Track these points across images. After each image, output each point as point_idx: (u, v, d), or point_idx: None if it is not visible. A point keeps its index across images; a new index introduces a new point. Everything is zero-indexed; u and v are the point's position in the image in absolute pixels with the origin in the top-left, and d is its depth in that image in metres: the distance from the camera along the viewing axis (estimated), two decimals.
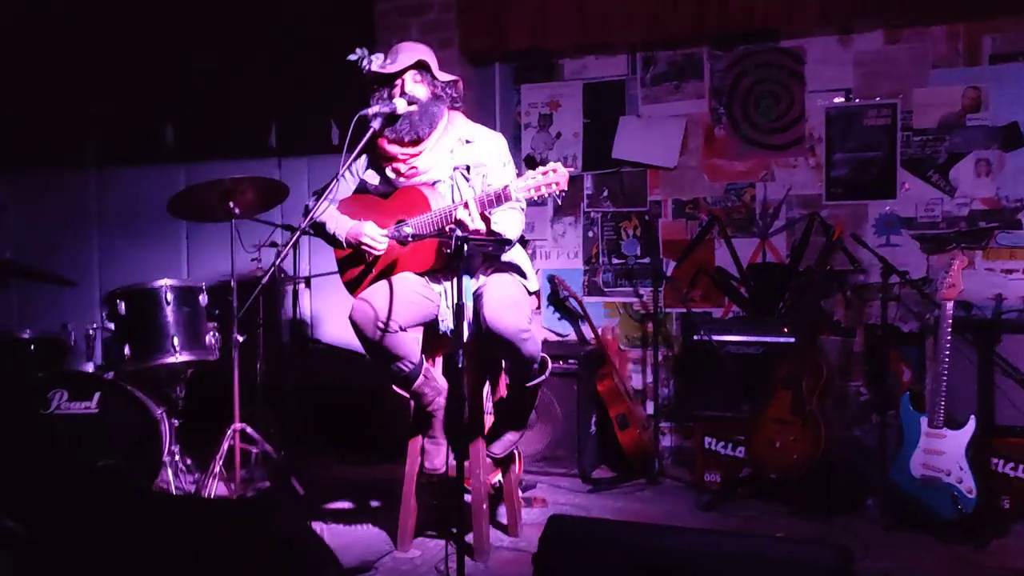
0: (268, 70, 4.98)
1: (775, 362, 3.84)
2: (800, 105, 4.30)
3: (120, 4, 4.98)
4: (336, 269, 3.20)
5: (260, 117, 5.11)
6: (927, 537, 3.25)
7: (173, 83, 5.15)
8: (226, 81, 5.05)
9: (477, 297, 2.95)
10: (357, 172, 3.18)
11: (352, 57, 3.02)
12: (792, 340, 3.88)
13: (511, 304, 2.89)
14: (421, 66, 3.02)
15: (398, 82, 3.01)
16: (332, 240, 3.10)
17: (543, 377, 3.06)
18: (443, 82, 3.05)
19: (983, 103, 4.01)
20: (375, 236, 2.99)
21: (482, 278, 3.02)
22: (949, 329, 3.30)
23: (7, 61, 5.22)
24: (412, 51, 3.05)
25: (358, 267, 3.12)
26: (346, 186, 3.19)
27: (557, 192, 2.71)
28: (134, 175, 5.36)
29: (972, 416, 3.28)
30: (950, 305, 3.31)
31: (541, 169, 2.71)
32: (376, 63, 3.04)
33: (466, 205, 2.78)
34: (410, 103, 2.96)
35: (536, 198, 2.74)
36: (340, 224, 3.08)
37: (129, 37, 5.10)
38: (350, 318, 2.92)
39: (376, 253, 3.02)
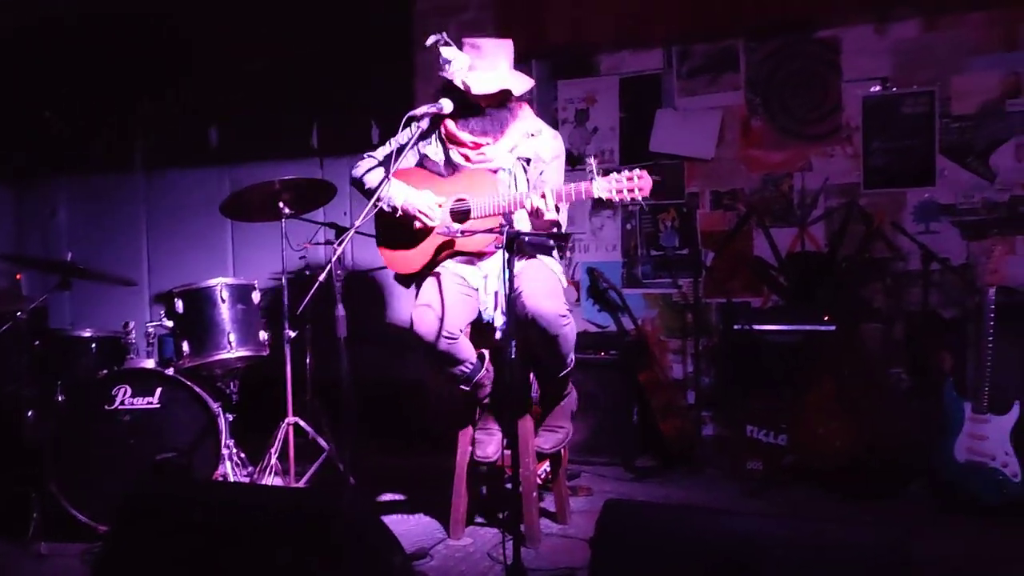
0: (308, 71, 5.07)
1: (816, 350, 3.87)
2: (836, 95, 4.32)
3: (162, 6, 5.09)
4: (374, 232, 3.24)
5: (301, 118, 5.21)
6: (973, 522, 3.27)
7: (215, 85, 5.26)
8: (267, 83, 5.15)
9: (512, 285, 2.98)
10: (417, 148, 3.21)
11: (429, 42, 3.07)
12: (833, 328, 3.91)
13: (550, 291, 2.96)
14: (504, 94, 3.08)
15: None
16: (380, 202, 3.05)
17: (569, 369, 3.12)
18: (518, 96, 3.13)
19: (1023, 89, 4.01)
20: (432, 207, 3.05)
21: (518, 265, 3.04)
22: (992, 315, 3.32)
23: (56, 66, 5.37)
24: (493, 59, 3.07)
25: (402, 234, 3.14)
26: (405, 163, 3.21)
27: (640, 198, 2.76)
28: (180, 177, 5.50)
29: (1017, 401, 3.30)
30: (992, 291, 3.33)
31: (627, 173, 2.77)
32: (456, 66, 3.04)
33: (543, 194, 2.84)
34: (486, 107, 3.04)
35: (617, 200, 2.78)
36: (397, 190, 3.07)
37: (173, 39, 5.22)
38: (413, 330, 2.96)
39: (430, 224, 3.07)
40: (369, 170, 3.22)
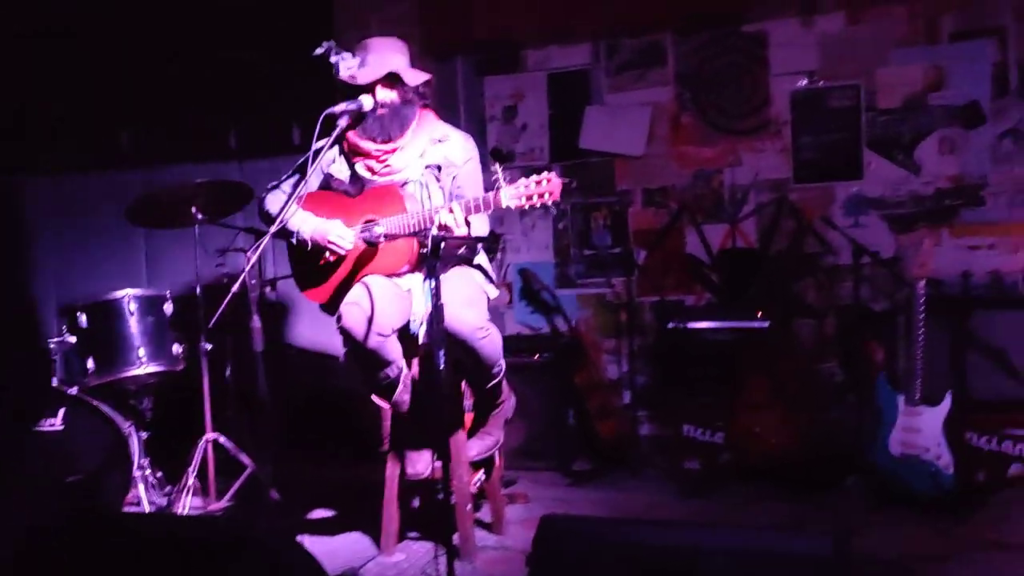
0: (225, 69, 4.85)
1: (750, 347, 3.85)
2: (765, 89, 4.30)
3: (69, 4, 4.82)
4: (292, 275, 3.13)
5: (219, 118, 4.99)
6: (909, 514, 3.27)
7: (126, 86, 4.99)
8: (182, 81, 4.91)
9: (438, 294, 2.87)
10: (322, 167, 3.10)
11: (319, 51, 2.94)
12: (766, 324, 3.88)
13: (467, 302, 2.85)
14: (391, 77, 2.95)
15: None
16: (291, 236, 3.00)
17: (498, 379, 3.02)
18: (414, 87, 2.99)
19: (944, 82, 4.04)
20: (343, 235, 2.92)
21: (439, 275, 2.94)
22: (923, 307, 3.32)
23: None
24: (381, 55, 2.95)
25: (316, 265, 3.03)
26: (310, 183, 3.10)
27: (550, 202, 2.65)
28: (89, 182, 5.20)
29: (948, 393, 3.31)
30: (922, 284, 3.34)
31: (535, 178, 2.65)
32: (345, 65, 2.95)
33: (451, 209, 2.72)
34: (380, 105, 2.90)
35: (527, 207, 2.67)
36: (304, 222, 2.98)
37: (80, 38, 4.94)
38: (340, 326, 2.83)
39: (341, 253, 2.95)
40: (274, 201, 3.09)
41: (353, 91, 2.96)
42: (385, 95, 2.94)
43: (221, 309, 2.62)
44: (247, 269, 2.65)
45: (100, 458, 3.19)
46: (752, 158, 4.33)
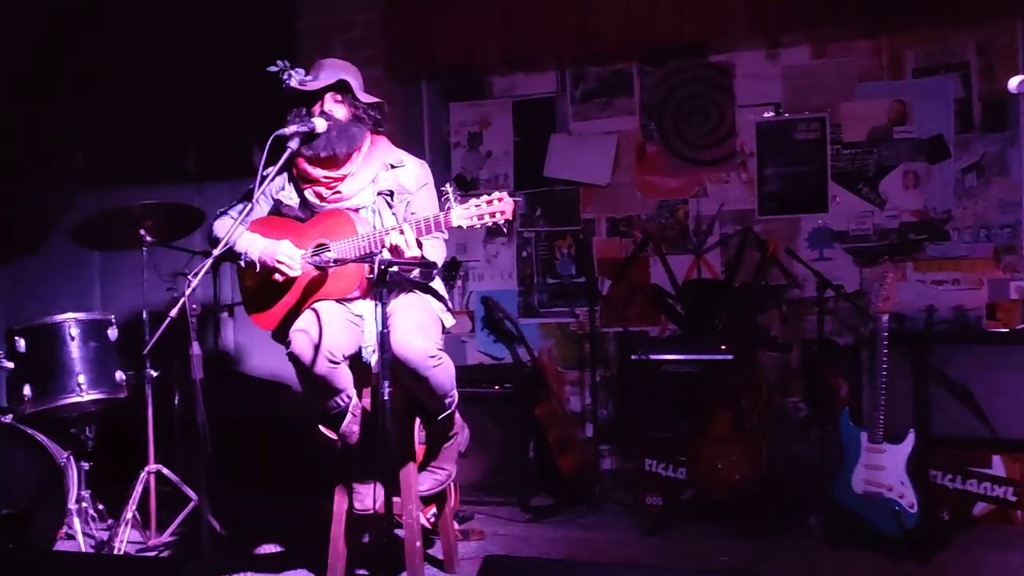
0: (186, 90, 4.76)
1: (714, 380, 3.78)
2: (730, 120, 4.28)
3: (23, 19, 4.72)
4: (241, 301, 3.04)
5: (177, 140, 4.89)
6: (872, 554, 3.20)
7: (85, 102, 4.88)
8: (142, 101, 4.81)
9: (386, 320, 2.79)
10: (271, 193, 3.02)
11: (273, 68, 2.88)
12: (730, 357, 3.82)
13: (419, 328, 2.77)
14: (341, 86, 2.90)
15: (318, 101, 2.89)
16: (239, 259, 2.93)
17: (450, 411, 2.93)
18: (365, 104, 2.92)
19: (908, 116, 4.04)
20: (292, 256, 2.84)
21: (392, 301, 2.86)
22: (886, 342, 3.27)
23: None
24: (334, 69, 2.92)
25: (264, 289, 2.94)
26: (260, 209, 3.01)
27: (502, 221, 2.58)
28: (42, 201, 5.06)
29: (911, 430, 3.25)
30: (886, 318, 3.28)
31: (486, 197, 2.59)
32: (296, 79, 2.90)
33: (401, 231, 2.64)
34: (328, 121, 2.83)
35: (479, 227, 2.60)
36: (252, 243, 2.91)
37: (45, 51, 4.84)
38: (290, 352, 2.75)
39: (291, 275, 2.86)
40: (222, 226, 3.01)
41: (301, 104, 2.90)
42: (334, 108, 2.87)
43: (157, 335, 2.52)
44: (187, 293, 2.53)
45: (34, 489, 3.04)
46: (717, 189, 4.30)
